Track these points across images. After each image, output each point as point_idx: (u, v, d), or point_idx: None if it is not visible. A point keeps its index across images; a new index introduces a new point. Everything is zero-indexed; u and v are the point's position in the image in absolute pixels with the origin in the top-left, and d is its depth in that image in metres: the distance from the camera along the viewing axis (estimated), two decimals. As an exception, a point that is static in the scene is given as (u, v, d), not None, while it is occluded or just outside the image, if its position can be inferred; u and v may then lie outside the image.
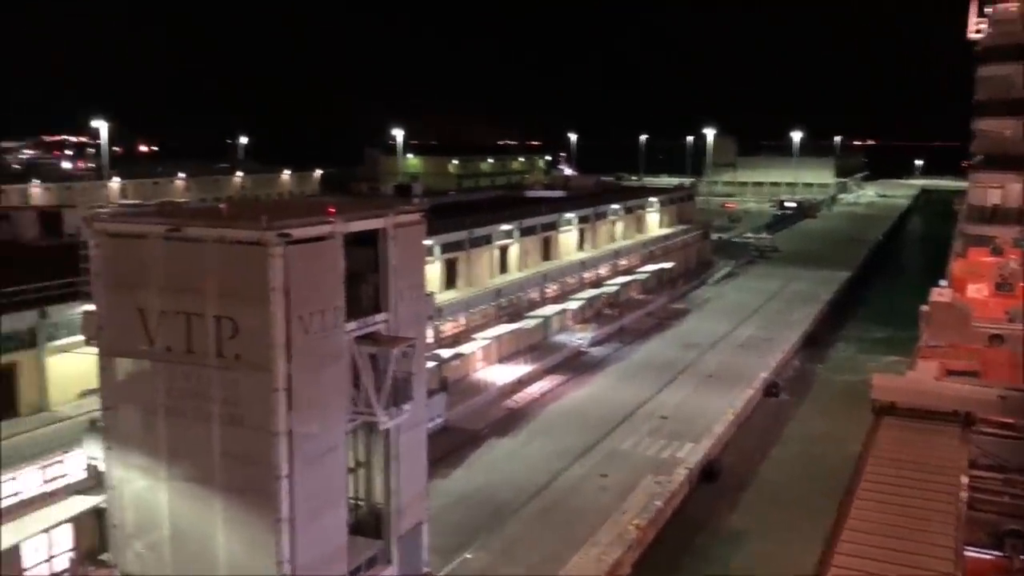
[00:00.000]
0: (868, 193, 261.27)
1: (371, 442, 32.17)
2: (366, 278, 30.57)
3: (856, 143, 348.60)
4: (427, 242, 45.82)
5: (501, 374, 65.82)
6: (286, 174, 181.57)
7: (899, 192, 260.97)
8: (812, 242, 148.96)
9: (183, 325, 27.51)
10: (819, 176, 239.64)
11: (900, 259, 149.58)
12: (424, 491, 34.51)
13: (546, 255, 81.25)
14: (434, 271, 61.42)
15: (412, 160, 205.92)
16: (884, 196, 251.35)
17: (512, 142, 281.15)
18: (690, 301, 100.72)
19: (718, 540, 44.94)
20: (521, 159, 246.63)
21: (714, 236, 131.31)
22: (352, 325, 29.28)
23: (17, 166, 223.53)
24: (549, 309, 74.75)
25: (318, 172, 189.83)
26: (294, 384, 26.69)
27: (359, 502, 32.55)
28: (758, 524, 46.17)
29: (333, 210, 29.02)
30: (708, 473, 51.55)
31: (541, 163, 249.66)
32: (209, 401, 27.46)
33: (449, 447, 51.51)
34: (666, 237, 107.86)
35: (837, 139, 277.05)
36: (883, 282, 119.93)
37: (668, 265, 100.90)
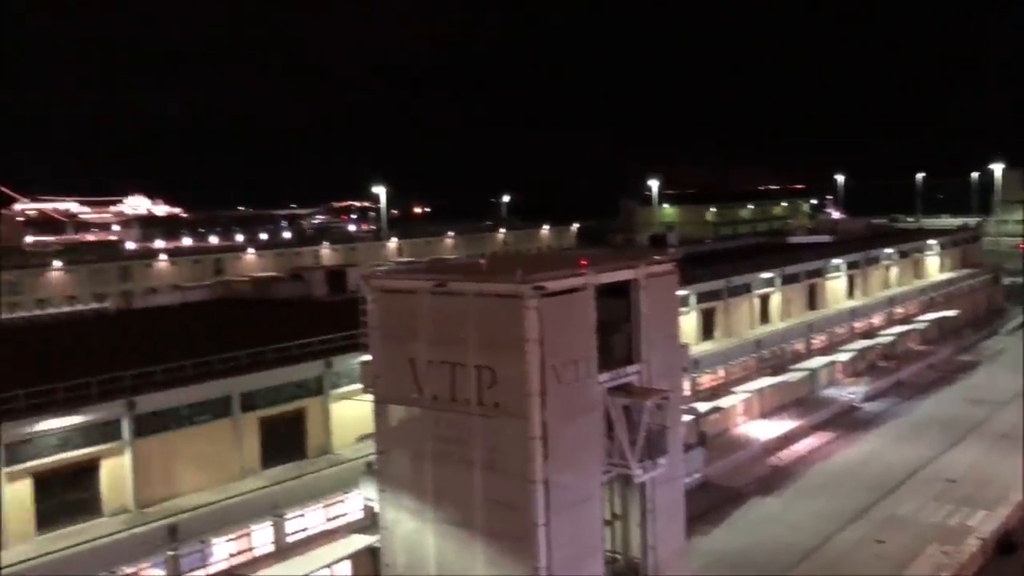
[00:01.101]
0: None
1: (627, 495, 31.91)
2: (619, 329, 30.68)
3: None
4: (682, 292, 45.32)
5: (764, 429, 63.02)
6: (545, 229, 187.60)
7: None
8: None
9: (448, 374, 29.02)
10: None
11: None
12: (683, 548, 33.62)
13: (811, 304, 77.35)
14: (690, 321, 60.40)
15: (668, 210, 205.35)
16: None
17: (774, 186, 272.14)
18: (979, 352, 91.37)
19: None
20: (783, 204, 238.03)
21: (1006, 280, 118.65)
22: (605, 376, 29.43)
23: (310, 230, 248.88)
24: (816, 361, 70.81)
25: (575, 226, 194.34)
26: (549, 433, 27.19)
27: (616, 555, 32.28)
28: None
29: (585, 262, 29.52)
30: (1005, 546, 45.87)
31: (805, 207, 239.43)
32: (471, 447, 28.64)
33: (708, 504, 49.87)
34: (948, 282, 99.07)
35: None
36: None
37: (951, 313, 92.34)
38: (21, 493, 30.96)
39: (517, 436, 27.28)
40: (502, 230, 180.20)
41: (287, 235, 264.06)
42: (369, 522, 36.02)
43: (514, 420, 27.34)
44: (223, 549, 34.50)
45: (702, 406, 56.30)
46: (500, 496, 28.04)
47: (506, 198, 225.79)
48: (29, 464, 31.20)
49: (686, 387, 53.43)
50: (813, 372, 70.58)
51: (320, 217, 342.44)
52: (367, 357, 32.69)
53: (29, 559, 29.48)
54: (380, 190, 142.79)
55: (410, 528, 31.01)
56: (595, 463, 29.16)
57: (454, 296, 28.99)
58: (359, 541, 36.42)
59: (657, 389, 30.53)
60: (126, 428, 33.55)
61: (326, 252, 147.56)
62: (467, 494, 28.81)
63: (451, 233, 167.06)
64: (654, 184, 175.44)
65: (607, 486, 30.86)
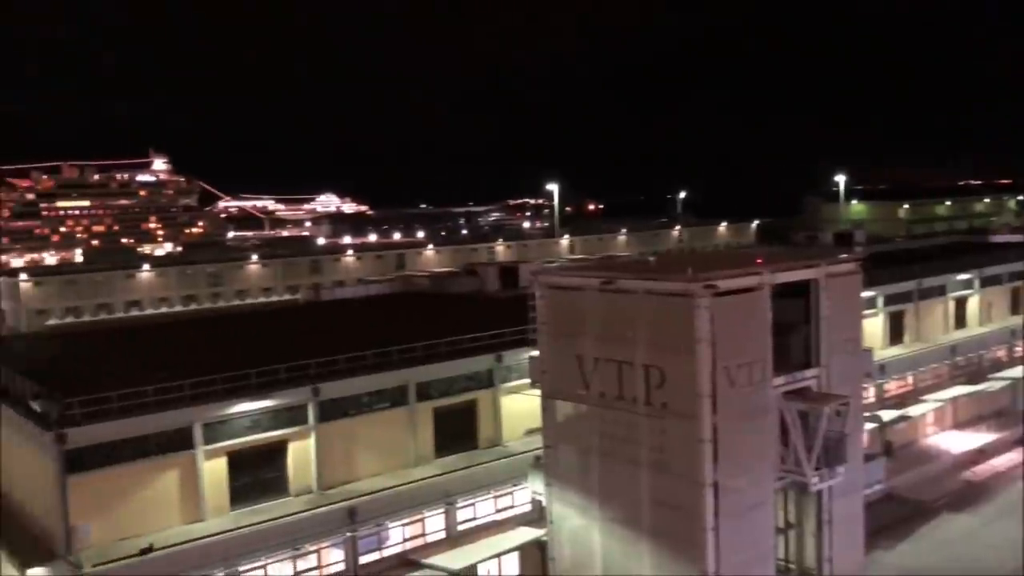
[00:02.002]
0: None
1: (802, 503, 30.66)
2: (796, 331, 29.49)
3: None
4: (867, 293, 42.93)
5: (957, 441, 58.71)
6: (722, 226, 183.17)
7: None
8: None
9: (615, 372, 28.87)
10: None
11: None
12: (862, 561, 31.96)
13: (1015, 308, 71.29)
14: (875, 325, 57.14)
15: (856, 206, 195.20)
16: None
17: (976, 182, 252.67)
18: None
19: None
20: (986, 200, 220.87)
21: None
22: (780, 380, 28.37)
23: (486, 227, 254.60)
24: (1019, 370, 65.23)
25: (755, 223, 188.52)
26: (719, 436, 26.51)
27: (789, 564, 31.10)
28: None
29: (761, 261, 28.57)
30: None
31: (1012, 204, 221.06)
32: (638, 447, 28.37)
33: (893, 517, 47.00)
34: None
35: None
36: None
37: None
38: (217, 470, 33.41)
39: (686, 438, 26.79)
40: (677, 227, 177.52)
41: (464, 232, 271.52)
42: (537, 515, 36.43)
43: (683, 421, 26.86)
44: (397, 533, 35.89)
45: (887, 414, 53.16)
46: (668, 497, 27.64)
47: (682, 194, 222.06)
48: (225, 443, 33.60)
49: (870, 394, 50.68)
50: (1015, 382, 65.03)
51: (496, 214, 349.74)
52: (535, 352, 33.05)
53: (225, 531, 31.82)
54: (553, 188, 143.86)
55: (577, 524, 31.12)
56: (768, 469, 28.19)
57: (623, 294, 28.80)
58: (527, 534, 36.91)
59: (836, 395, 29.13)
60: (311, 413, 35.51)
61: (500, 249, 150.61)
62: (634, 493, 28.58)
63: (624, 230, 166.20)
64: (841, 179, 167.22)
65: (781, 493, 29.76)
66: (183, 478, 32.62)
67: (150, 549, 29.62)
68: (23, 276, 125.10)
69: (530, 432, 37.78)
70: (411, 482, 36.25)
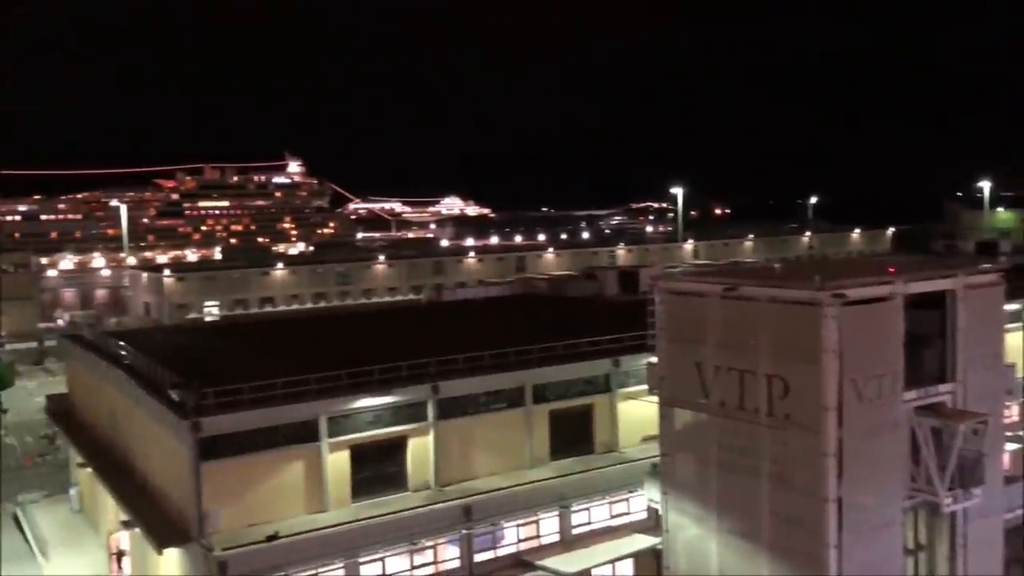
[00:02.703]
0: None
1: (934, 525, 29.14)
2: (930, 344, 28.08)
3: None
4: (1012, 306, 40.43)
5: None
6: (856, 232, 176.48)
7: None
8: None
9: (736, 381, 28.19)
10: None
11: None
12: (999, 591, 30.12)
13: None
14: (1018, 339, 53.74)
15: (1002, 214, 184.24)
16: None
17: None
18: None
19: None
20: None
21: None
22: (912, 394, 27.06)
23: (608, 231, 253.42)
24: None
25: (891, 230, 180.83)
26: (845, 451, 25.51)
27: (918, 588, 29.62)
28: None
29: (893, 270, 27.34)
30: None
31: None
32: (759, 458, 27.60)
33: (1037, 545, 44.10)
34: None
35: None
36: None
37: None
38: (340, 463, 34.47)
39: (809, 451, 25.90)
40: (807, 233, 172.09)
41: (586, 235, 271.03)
42: (652, 523, 35.94)
43: (806, 434, 25.98)
44: (512, 533, 36.14)
45: (1032, 435, 49.86)
46: (789, 511, 26.79)
47: (814, 199, 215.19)
48: (348, 437, 34.65)
49: (1013, 412, 47.69)
50: None
51: (618, 218, 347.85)
52: (654, 358, 32.65)
53: (346, 522, 32.82)
54: (678, 191, 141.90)
55: (693, 534, 30.55)
56: (897, 487, 26.94)
57: (746, 301, 28.09)
58: (642, 541, 36.51)
59: (973, 412, 27.56)
60: (431, 410, 36.18)
61: (621, 253, 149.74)
62: (753, 506, 27.83)
63: (751, 235, 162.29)
64: (986, 185, 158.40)
65: (911, 513, 28.38)
66: (308, 469, 33.81)
67: (276, 536, 30.84)
68: (166, 272, 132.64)
69: (647, 439, 37.31)
70: (526, 483, 36.42)
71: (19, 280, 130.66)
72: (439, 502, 34.66)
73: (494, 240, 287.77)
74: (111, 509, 40.52)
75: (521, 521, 36.18)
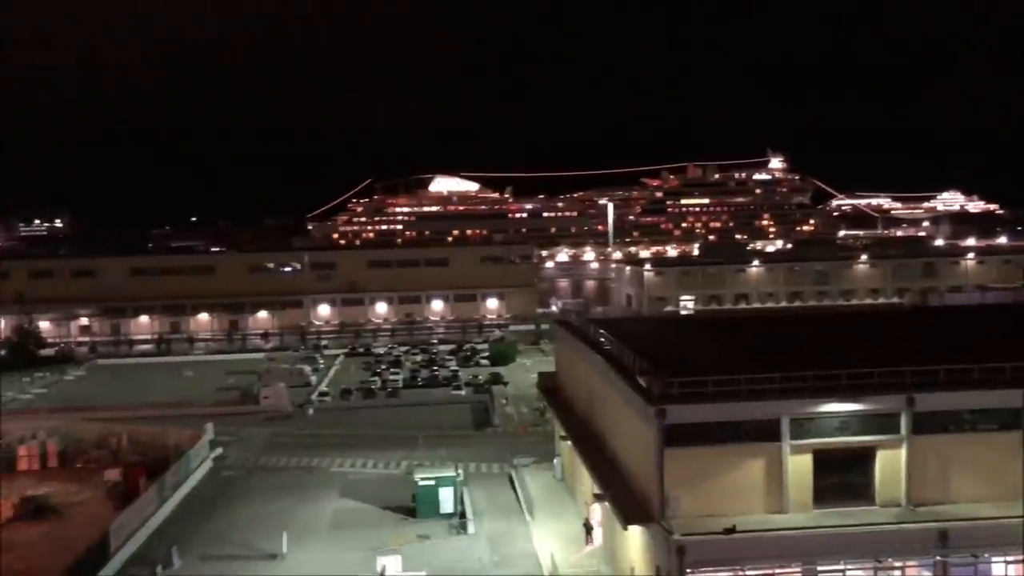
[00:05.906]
0: None
1: None
2: None
3: None
4: None
5: None
6: None
7: None
8: None
9: None
10: None
11: None
12: None
13: None
14: None
15: None
16: None
17: None
18: None
19: None
20: None
21: None
22: None
23: None
24: None
25: None
26: None
27: None
28: None
29: None
30: None
31: None
32: None
33: None
34: None
35: None
36: None
37: None
38: (802, 467, 33.57)
39: None
40: None
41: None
42: None
43: None
44: (999, 570, 32.05)
45: None
46: None
47: None
48: (811, 441, 33.60)
49: None
50: None
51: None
52: None
53: (807, 527, 31.94)
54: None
55: None
56: None
57: None
58: None
59: None
60: (904, 423, 33.59)
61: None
62: None
63: None
64: None
65: None
66: (768, 468, 33.55)
67: (733, 529, 31.09)
68: (647, 266, 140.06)
69: None
70: (1016, 516, 31.97)
71: (523, 270, 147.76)
72: (911, 522, 32.09)
73: (1002, 240, 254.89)
74: (586, 481, 44.09)
75: (1012, 558, 31.90)
